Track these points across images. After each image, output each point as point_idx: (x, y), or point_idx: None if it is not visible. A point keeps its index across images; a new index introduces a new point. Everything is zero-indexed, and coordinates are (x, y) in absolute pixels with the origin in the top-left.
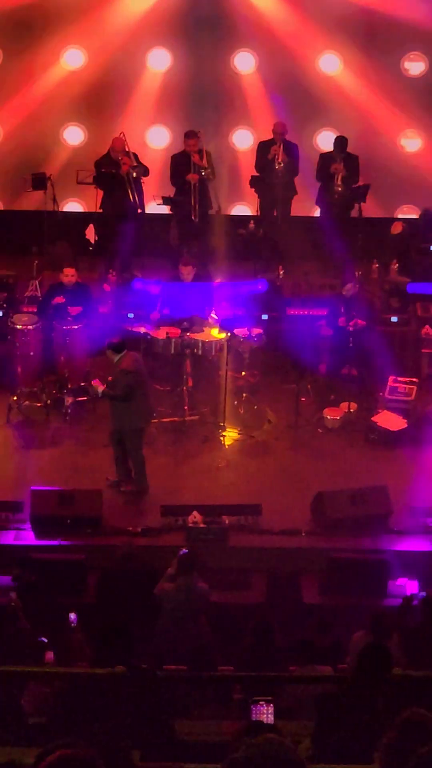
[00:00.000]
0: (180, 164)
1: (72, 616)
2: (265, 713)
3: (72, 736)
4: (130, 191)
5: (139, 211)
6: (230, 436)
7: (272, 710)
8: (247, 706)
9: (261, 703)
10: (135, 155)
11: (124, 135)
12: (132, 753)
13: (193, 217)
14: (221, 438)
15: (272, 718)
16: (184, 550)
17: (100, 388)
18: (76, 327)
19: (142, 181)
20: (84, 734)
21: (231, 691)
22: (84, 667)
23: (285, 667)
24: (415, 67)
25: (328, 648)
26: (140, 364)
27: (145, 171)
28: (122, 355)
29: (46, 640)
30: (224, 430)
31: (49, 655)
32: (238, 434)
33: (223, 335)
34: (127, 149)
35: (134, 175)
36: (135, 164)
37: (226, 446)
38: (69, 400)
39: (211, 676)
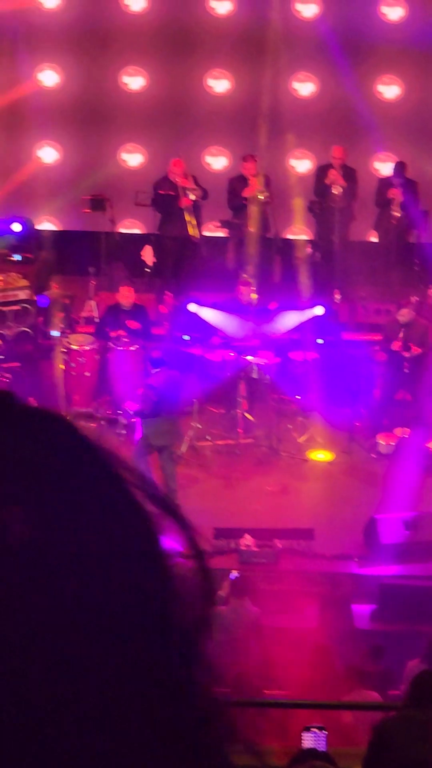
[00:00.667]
0: (237, 187)
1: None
2: (318, 740)
3: None
4: (187, 214)
5: (197, 235)
6: (284, 459)
7: (325, 737)
8: (300, 732)
9: (313, 730)
10: (194, 178)
11: (181, 158)
12: None
13: (251, 241)
14: (275, 461)
15: (325, 746)
16: (235, 572)
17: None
18: (132, 348)
19: (200, 203)
20: None
21: (283, 717)
22: None
23: (336, 693)
24: None
25: (378, 674)
26: (166, 385)
27: (204, 194)
28: (157, 371)
29: None
30: (278, 453)
31: None
32: (292, 458)
33: (278, 359)
34: (185, 172)
35: (192, 197)
36: (193, 187)
37: (280, 470)
38: (124, 420)
39: (262, 701)
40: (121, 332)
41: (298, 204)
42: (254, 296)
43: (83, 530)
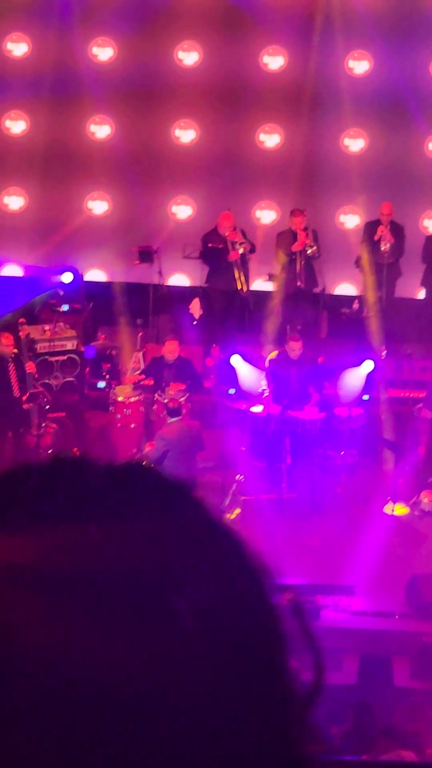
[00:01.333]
0: (286, 242)
1: None
2: None
3: None
4: (236, 267)
5: (245, 289)
6: (327, 514)
7: None
8: None
9: None
10: (242, 231)
11: (231, 212)
12: None
13: (298, 295)
14: (318, 516)
15: None
16: None
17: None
18: (180, 401)
19: (248, 257)
20: None
21: None
22: None
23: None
24: None
25: (416, 733)
26: (182, 434)
27: (252, 248)
28: (173, 420)
29: None
30: (321, 509)
31: None
32: (334, 513)
33: (323, 414)
34: (234, 225)
35: (240, 251)
36: (242, 240)
37: (323, 525)
38: None
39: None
40: (148, 380)
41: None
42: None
43: (233, 620)
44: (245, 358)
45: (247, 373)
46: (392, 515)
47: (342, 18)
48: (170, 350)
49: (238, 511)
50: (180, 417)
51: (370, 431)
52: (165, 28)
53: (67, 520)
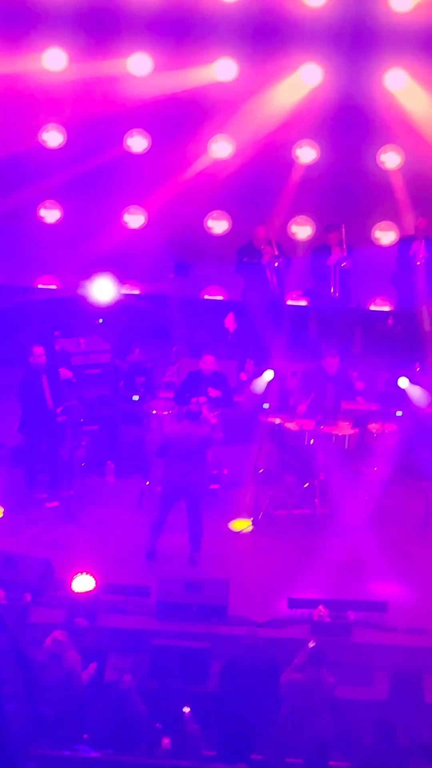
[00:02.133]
0: (321, 257)
1: (186, 710)
2: None
3: None
4: (271, 281)
5: (279, 300)
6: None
7: None
8: None
9: None
10: (278, 245)
11: (266, 225)
12: None
13: (332, 310)
14: (351, 532)
15: None
16: (312, 642)
17: None
18: (212, 415)
19: (282, 270)
20: None
21: None
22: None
23: None
24: None
25: None
26: (184, 436)
27: (287, 262)
28: (183, 423)
29: (160, 727)
30: (354, 525)
31: (166, 742)
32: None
33: (356, 429)
34: (269, 239)
35: (276, 265)
36: (277, 254)
37: (356, 541)
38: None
39: None
40: (201, 399)
41: None
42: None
43: None
44: (282, 373)
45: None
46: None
47: (378, 34)
48: (207, 365)
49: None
50: (194, 421)
51: (403, 447)
52: (198, 43)
53: None
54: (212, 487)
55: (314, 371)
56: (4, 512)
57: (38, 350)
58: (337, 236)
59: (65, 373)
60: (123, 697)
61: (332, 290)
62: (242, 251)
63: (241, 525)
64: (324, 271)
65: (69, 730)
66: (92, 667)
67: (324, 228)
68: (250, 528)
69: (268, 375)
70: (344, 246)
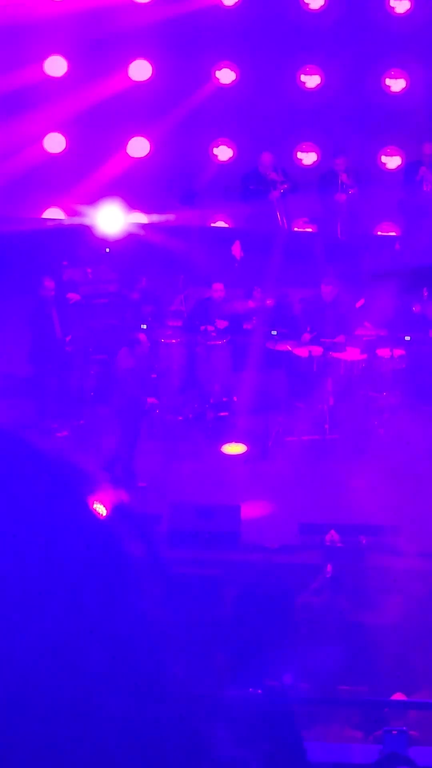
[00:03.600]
0: (327, 183)
1: None
2: (399, 742)
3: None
4: (276, 209)
5: (286, 226)
6: (370, 456)
7: (406, 739)
8: (382, 734)
9: (395, 732)
10: (283, 171)
11: (272, 152)
12: None
13: (339, 236)
14: (361, 458)
15: (406, 747)
16: (329, 567)
17: None
18: (219, 343)
19: (287, 197)
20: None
21: (365, 714)
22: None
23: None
24: None
25: None
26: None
27: (293, 186)
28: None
29: None
30: (363, 450)
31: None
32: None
33: (365, 355)
34: (274, 165)
35: (281, 192)
36: (282, 179)
37: (366, 466)
38: (210, 414)
39: (347, 699)
40: (209, 327)
41: None
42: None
43: None
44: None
45: None
46: None
47: None
48: (217, 293)
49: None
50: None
51: (413, 372)
52: None
53: None
54: (221, 414)
55: (312, 298)
56: None
57: (49, 283)
58: (343, 162)
59: (73, 296)
60: None
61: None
62: (248, 178)
63: (235, 449)
64: (330, 200)
65: None
66: None
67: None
68: (244, 450)
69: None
70: (349, 173)
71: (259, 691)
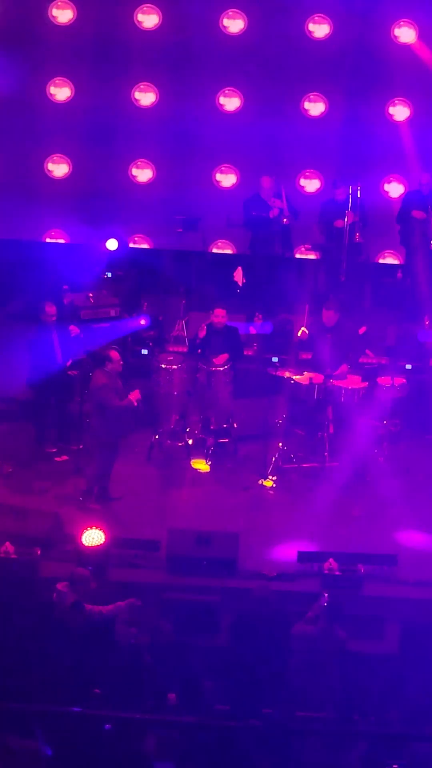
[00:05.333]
0: (329, 212)
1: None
2: None
3: None
4: (278, 235)
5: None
6: (369, 484)
7: None
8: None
9: (395, 766)
10: (287, 196)
11: (273, 178)
12: None
13: (341, 265)
14: (360, 486)
15: None
16: (325, 595)
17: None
18: (221, 369)
19: (291, 225)
20: None
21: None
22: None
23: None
24: None
25: None
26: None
27: (296, 215)
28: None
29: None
30: (363, 478)
31: (172, 697)
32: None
33: (365, 383)
34: (276, 191)
35: (284, 221)
36: (283, 206)
37: (365, 494)
38: (210, 440)
39: (347, 729)
40: (210, 355)
41: None
42: (339, 319)
43: None
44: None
45: None
46: None
47: None
48: (219, 318)
49: (272, 481)
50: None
51: (413, 401)
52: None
53: None
54: (221, 441)
55: (312, 324)
56: (14, 467)
57: (50, 309)
58: (345, 191)
59: (74, 330)
60: (133, 652)
61: (340, 244)
62: (249, 203)
63: (199, 465)
64: (332, 225)
65: (79, 684)
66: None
67: (332, 184)
68: (207, 469)
69: None
70: (350, 202)
71: (257, 722)
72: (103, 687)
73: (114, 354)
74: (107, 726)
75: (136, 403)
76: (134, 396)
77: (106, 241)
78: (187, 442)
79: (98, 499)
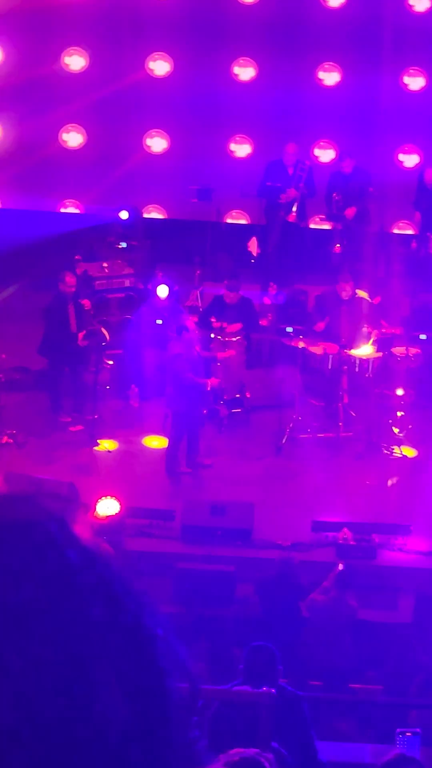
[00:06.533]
0: (334, 184)
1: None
2: (411, 744)
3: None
4: (294, 206)
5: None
6: (384, 454)
7: (418, 741)
8: (393, 735)
9: (409, 733)
10: (310, 172)
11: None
12: None
13: (355, 234)
14: (375, 456)
15: (418, 749)
16: (341, 565)
17: None
18: (234, 339)
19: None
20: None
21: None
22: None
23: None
24: None
25: None
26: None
27: (312, 192)
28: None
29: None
30: (378, 448)
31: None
32: (390, 452)
33: (380, 353)
34: (297, 159)
35: (300, 185)
36: (300, 176)
37: (380, 464)
38: (224, 411)
39: (359, 699)
40: (224, 323)
41: None
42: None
43: None
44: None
45: None
46: None
47: None
48: (231, 300)
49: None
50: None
51: (427, 371)
52: None
53: None
54: (234, 410)
55: (328, 295)
56: (29, 437)
57: (71, 279)
58: (350, 164)
59: (86, 303)
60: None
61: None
62: (270, 168)
63: (154, 441)
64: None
65: None
66: None
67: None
68: (165, 445)
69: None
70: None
71: (273, 690)
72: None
73: (190, 323)
74: None
75: (209, 388)
76: (212, 381)
77: (119, 212)
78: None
79: (189, 464)
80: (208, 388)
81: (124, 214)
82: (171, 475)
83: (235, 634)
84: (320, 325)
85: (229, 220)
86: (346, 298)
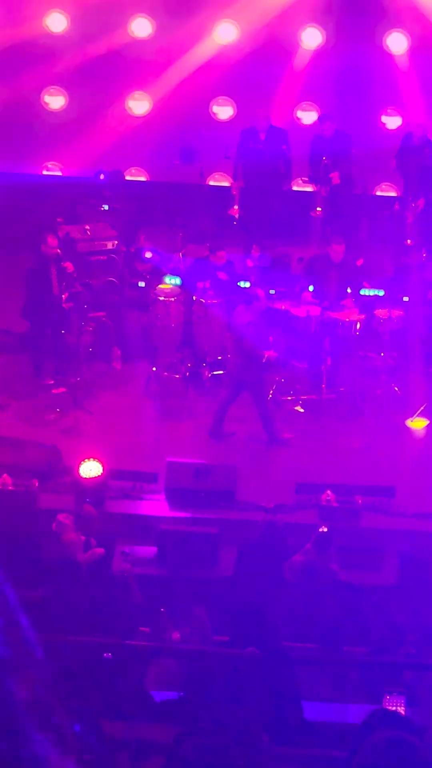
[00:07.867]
0: (316, 148)
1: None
2: (397, 704)
3: (202, 717)
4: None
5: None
6: (367, 416)
7: (404, 702)
8: (380, 695)
9: (394, 693)
10: (284, 132)
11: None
12: (261, 736)
13: (338, 197)
14: (358, 418)
15: (403, 710)
16: (324, 528)
17: None
18: (216, 301)
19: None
20: (214, 716)
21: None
22: (215, 647)
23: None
24: None
25: None
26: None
27: (289, 149)
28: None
29: (164, 611)
30: (361, 410)
31: (176, 635)
32: (374, 415)
33: (363, 315)
34: (268, 127)
35: (284, 147)
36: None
37: (363, 426)
38: (207, 373)
39: (343, 658)
40: (206, 283)
41: None
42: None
43: None
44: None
45: None
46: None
47: None
48: (219, 260)
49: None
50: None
51: (410, 333)
52: None
53: None
54: (216, 372)
55: (319, 258)
56: (11, 399)
57: (53, 241)
58: (331, 127)
59: (69, 266)
60: (124, 585)
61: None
62: (246, 136)
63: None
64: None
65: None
66: (97, 552)
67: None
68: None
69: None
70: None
71: (259, 651)
72: (102, 618)
73: (260, 292)
74: (107, 654)
75: (264, 359)
76: (270, 353)
77: (98, 174)
78: (184, 374)
79: (211, 434)
80: (264, 360)
81: (100, 176)
82: (215, 437)
83: (217, 596)
84: (307, 294)
85: (211, 183)
86: (338, 261)
